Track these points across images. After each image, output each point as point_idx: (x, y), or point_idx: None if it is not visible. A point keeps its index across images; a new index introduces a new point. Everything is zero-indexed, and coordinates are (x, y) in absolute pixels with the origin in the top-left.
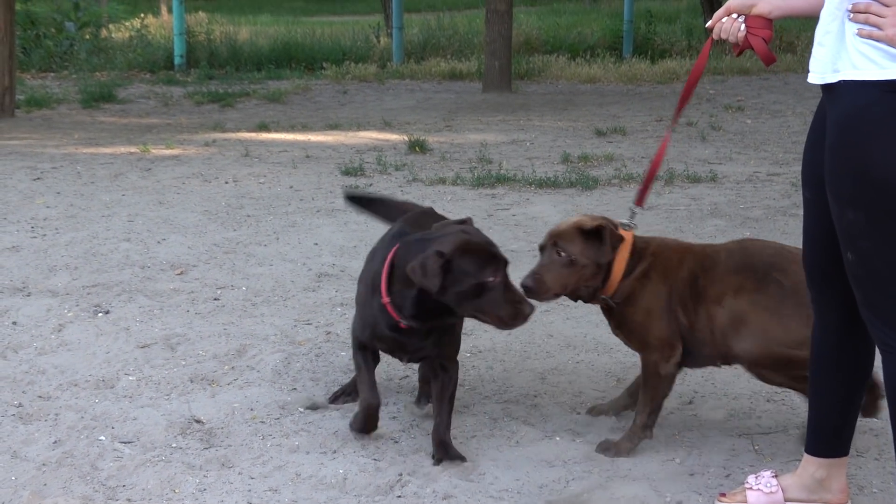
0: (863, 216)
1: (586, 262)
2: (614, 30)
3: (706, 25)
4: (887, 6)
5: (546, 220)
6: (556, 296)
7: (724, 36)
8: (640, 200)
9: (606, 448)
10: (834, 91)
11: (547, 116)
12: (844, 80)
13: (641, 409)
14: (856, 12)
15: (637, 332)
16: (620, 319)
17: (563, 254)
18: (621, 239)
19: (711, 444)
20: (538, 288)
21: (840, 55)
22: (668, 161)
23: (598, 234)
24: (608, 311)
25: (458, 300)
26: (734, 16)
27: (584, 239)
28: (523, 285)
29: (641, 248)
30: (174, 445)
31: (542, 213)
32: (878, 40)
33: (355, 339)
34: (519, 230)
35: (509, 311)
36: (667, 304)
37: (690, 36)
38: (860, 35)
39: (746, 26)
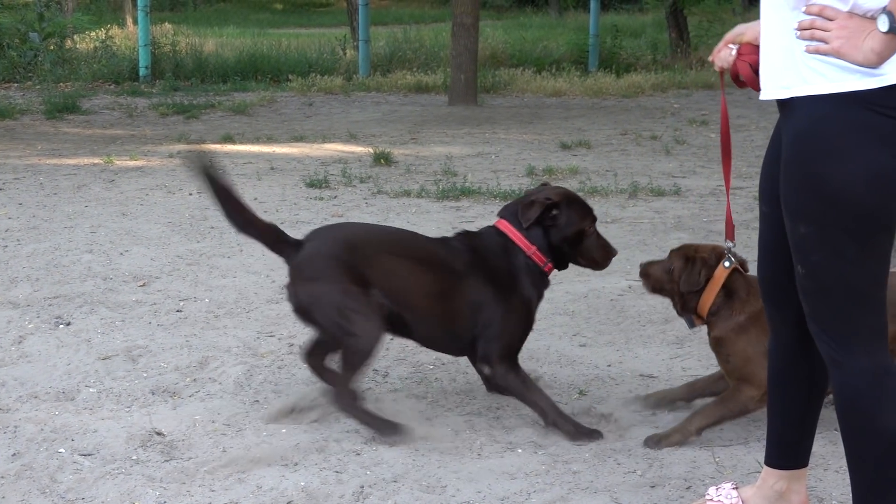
0: (814, 230)
1: (676, 279)
2: (580, 44)
3: (709, 59)
4: (831, 20)
5: None
6: (653, 289)
7: (719, 65)
8: (730, 234)
9: (656, 441)
10: (787, 106)
11: (512, 129)
12: (797, 96)
13: (706, 417)
14: (802, 29)
15: (736, 364)
16: (718, 344)
17: (669, 263)
18: (711, 274)
19: (673, 456)
20: (642, 273)
21: (790, 71)
22: (631, 174)
23: (694, 263)
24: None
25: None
26: (730, 46)
27: (685, 261)
28: (640, 266)
29: (738, 288)
30: (134, 458)
31: None
32: (825, 54)
33: (509, 356)
34: None
35: (601, 254)
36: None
37: (655, 50)
38: (808, 51)
39: (737, 53)
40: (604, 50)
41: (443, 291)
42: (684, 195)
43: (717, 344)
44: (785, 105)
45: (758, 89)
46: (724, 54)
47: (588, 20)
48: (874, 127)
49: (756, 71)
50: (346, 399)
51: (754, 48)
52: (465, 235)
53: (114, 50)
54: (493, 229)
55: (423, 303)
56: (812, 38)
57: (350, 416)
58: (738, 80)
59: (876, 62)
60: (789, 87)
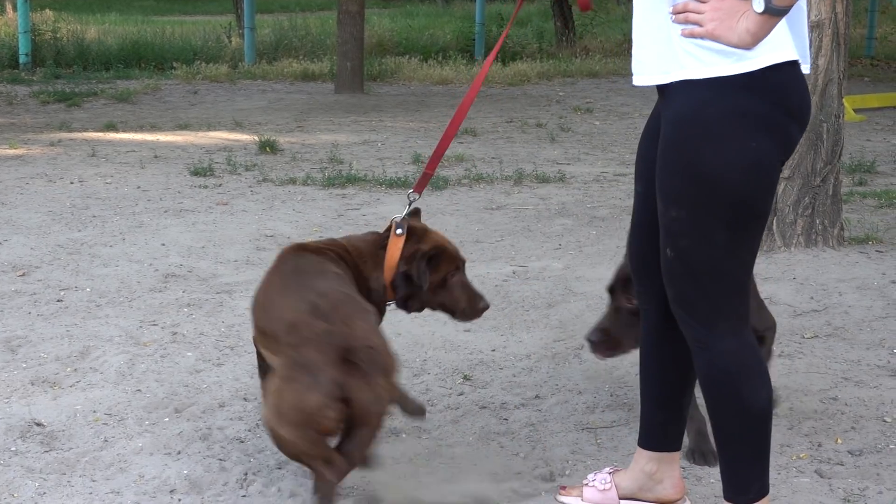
0: (686, 215)
1: None
2: (466, 32)
3: None
4: (704, 2)
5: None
6: None
7: None
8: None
9: None
10: (666, 91)
11: (399, 117)
12: (675, 81)
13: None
14: (676, 13)
15: None
16: None
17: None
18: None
19: (555, 439)
20: None
21: (667, 56)
22: (516, 161)
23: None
24: None
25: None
26: None
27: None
28: None
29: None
30: (13, 449)
31: (392, 212)
32: (700, 37)
33: None
34: (369, 230)
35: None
36: None
37: (542, 39)
38: (684, 35)
39: None
40: (490, 38)
41: None
42: (569, 182)
43: None
44: (663, 90)
45: (583, 11)
46: None
47: (474, 8)
48: (752, 112)
49: None
50: None
51: None
52: None
53: None
54: None
55: None
56: (686, 22)
57: None
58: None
59: (751, 43)
60: (668, 72)
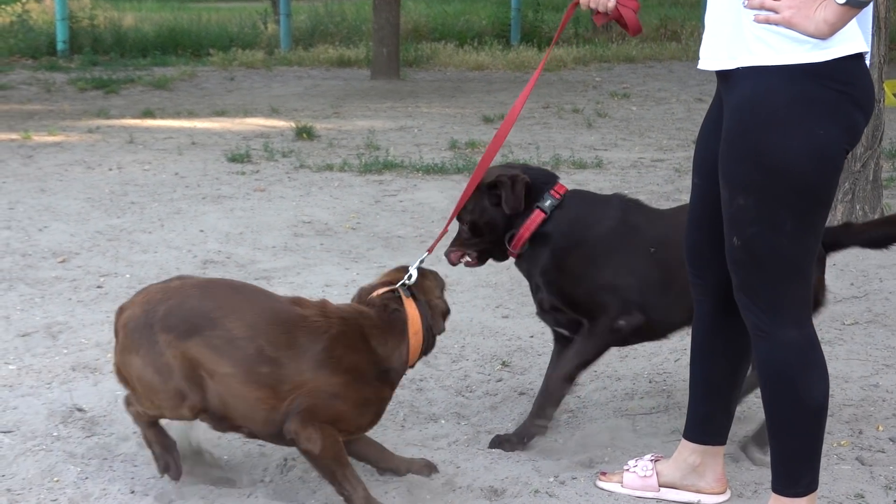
0: (753, 202)
1: None
2: (502, 17)
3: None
4: None
5: (433, 205)
6: None
7: (592, 5)
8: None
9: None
10: (730, 77)
11: (435, 103)
12: (742, 67)
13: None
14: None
15: None
16: None
17: None
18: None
19: (593, 425)
20: None
21: (736, 42)
22: (553, 147)
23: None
24: None
25: None
26: None
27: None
28: None
29: None
30: (55, 434)
31: (428, 199)
32: (775, 24)
33: None
34: (406, 216)
35: None
36: None
37: (577, 24)
38: (757, 21)
39: (617, 1)
40: (526, 23)
41: None
42: (606, 167)
43: None
44: (728, 76)
45: (635, 34)
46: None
47: None
48: (820, 100)
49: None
50: None
51: None
52: None
53: (31, 24)
54: None
55: None
56: (762, 8)
57: None
58: (621, 23)
59: (828, 33)
60: (735, 57)
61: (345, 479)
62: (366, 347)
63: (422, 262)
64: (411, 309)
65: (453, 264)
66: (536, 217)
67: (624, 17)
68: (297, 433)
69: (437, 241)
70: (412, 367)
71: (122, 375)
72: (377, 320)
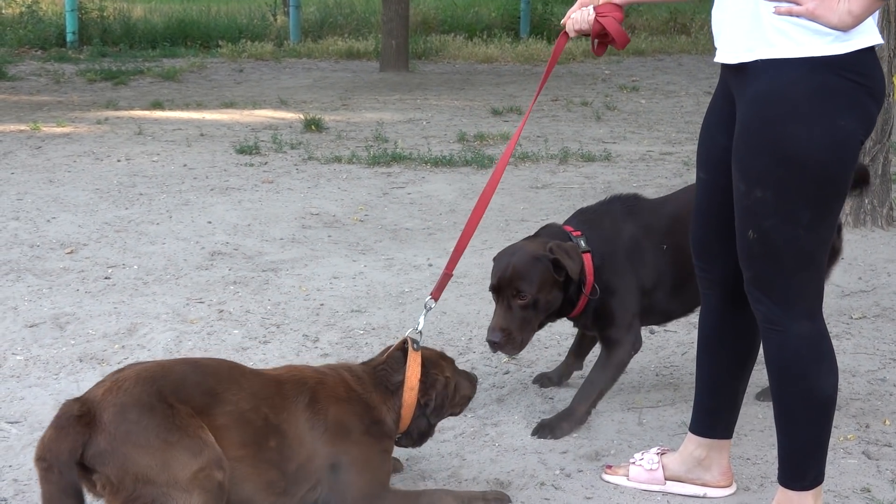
0: (771, 195)
1: None
2: (511, 10)
3: (561, 22)
4: None
5: (441, 198)
6: None
7: (576, 27)
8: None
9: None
10: (747, 70)
11: (444, 96)
12: (761, 59)
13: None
14: None
15: None
16: None
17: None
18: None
19: (600, 418)
20: None
21: (754, 34)
22: (562, 140)
23: None
24: None
25: None
26: (585, 8)
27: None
28: None
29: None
30: None
31: (437, 191)
32: (798, 16)
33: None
34: (414, 208)
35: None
36: None
37: None
38: (778, 13)
39: (595, 12)
40: (535, 16)
41: None
42: (614, 160)
43: None
44: (743, 70)
45: (622, 46)
46: (580, 16)
47: None
48: (840, 92)
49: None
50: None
51: (614, 6)
52: None
53: (40, 15)
54: None
55: None
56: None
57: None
58: (602, 39)
59: (851, 25)
60: (752, 49)
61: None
62: (349, 396)
63: (428, 310)
64: (413, 364)
65: (514, 353)
66: (587, 259)
67: (607, 28)
68: None
69: (442, 288)
70: (408, 429)
71: None
72: (361, 371)
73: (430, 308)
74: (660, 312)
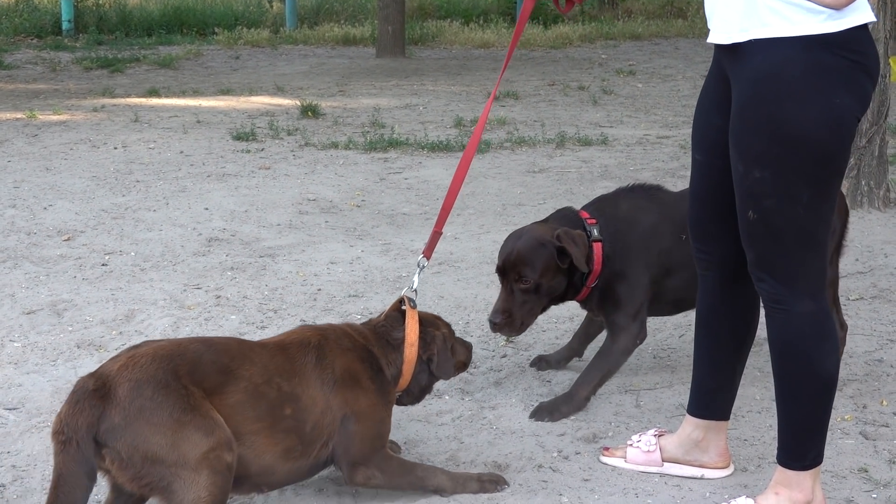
0: (770, 175)
1: None
2: None
3: None
4: None
5: (438, 183)
6: None
7: None
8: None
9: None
10: (741, 50)
11: (440, 81)
12: (755, 39)
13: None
14: None
15: None
16: None
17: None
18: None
19: (597, 400)
20: None
21: (749, 15)
22: (558, 124)
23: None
24: None
25: None
26: None
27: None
28: None
29: None
30: None
31: (433, 176)
32: None
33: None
34: (411, 193)
35: None
36: None
37: (584, 1)
38: None
39: None
40: None
41: None
42: (611, 144)
43: None
44: (737, 49)
45: (569, 9)
46: None
47: None
48: (835, 69)
49: None
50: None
51: None
52: None
53: (36, 3)
54: None
55: None
56: None
57: None
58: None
59: (844, 3)
60: (746, 30)
61: (420, 479)
62: (354, 345)
63: (421, 269)
64: (412, 321)
65: (514, 335)
66: (597, 248)
67: None
68: (359, 483)
69: (433, 246)
70: (407, 386)
71: None
72: (362, 328)
73: (423, 266)
74: (672, 302)
